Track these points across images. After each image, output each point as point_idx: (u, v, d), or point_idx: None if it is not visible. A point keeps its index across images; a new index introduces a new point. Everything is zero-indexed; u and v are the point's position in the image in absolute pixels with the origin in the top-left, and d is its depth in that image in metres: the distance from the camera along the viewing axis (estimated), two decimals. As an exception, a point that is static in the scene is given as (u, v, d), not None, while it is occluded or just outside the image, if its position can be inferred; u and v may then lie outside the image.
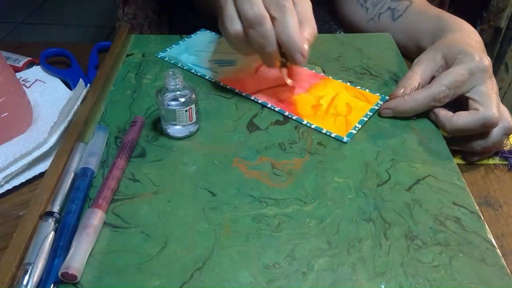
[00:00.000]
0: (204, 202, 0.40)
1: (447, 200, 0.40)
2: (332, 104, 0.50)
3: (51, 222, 0.36)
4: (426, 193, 0.40)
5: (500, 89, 0.55)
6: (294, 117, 0.48)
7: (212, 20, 0.70)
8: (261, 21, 0.43)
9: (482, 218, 0.38)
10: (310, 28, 0.45)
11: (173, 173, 0.42)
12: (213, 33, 0.63)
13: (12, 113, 0.46)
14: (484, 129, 0.45)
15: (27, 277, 0.33)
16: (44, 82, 0.56)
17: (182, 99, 0.44)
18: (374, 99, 0.51)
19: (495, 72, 1.05)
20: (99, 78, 0.52)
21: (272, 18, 0.43)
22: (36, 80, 0.56)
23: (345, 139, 0.46)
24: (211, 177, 0.42)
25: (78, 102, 0.50)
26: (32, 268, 0.33)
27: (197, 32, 0.63)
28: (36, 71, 0.58)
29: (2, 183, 0.43)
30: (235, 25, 0.44)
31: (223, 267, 0.34)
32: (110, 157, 0.44)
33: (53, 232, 0.36)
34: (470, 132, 0.46)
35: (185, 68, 0.56)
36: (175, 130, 0.45)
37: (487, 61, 0.46)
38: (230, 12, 0.44)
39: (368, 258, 0.35)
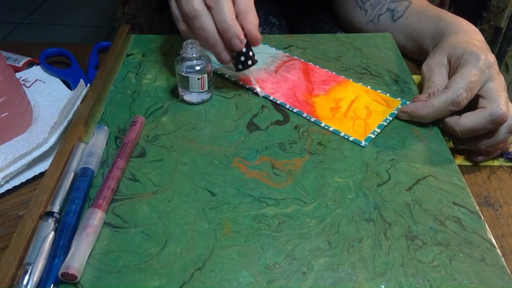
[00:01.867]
0: (204, 202, 0.39)
1: (447, 200, 0.40)
2: (351, 107, 0.50)
3: (51, 222, 0.36)
4: (426, 193, 0.40)
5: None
6: (313, 119, 0.48)
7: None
8: (196, 14, 0.44)
9: (482, 218, 0.38)
10: (252, 16, 0.46)
11: (173, 173, 0.42)
12: None
13: (12, 113, 0.46)
14: (494, 126, 0.44)
15: (27, 277, 0.33)
16: (44, 82, 0.56)
17: (198, 67, 0.47)
18: (395, 104, 0.50)
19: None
20: (99, 78, 0.52)
21: (209, 8, 0.45)
22: (36, 80, 0.56)
23: (363, 143, 0.45)
24: (211, 177, 0.42)
25: (78, 102, 0.50)
26: (32, 268, 0.33)
27: None
28: (36, 71, 0.58)
29: (2, 183, 0.43)
30: (180, 24, 0.48)
31: (223, 267, 0.35)
32: (110, 157, 0.44)
33: (53, 232, 0.36)
34: (480, 131, 0.45)
35: None
36: (190, 96, 0.50)
37: (492, 58, 0.47)
38: (174, 12, 0.48)
39: (368, 258, 0.35)
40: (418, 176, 0.42)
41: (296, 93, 0.52)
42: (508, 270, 0.35)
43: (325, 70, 0.56)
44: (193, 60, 0.47)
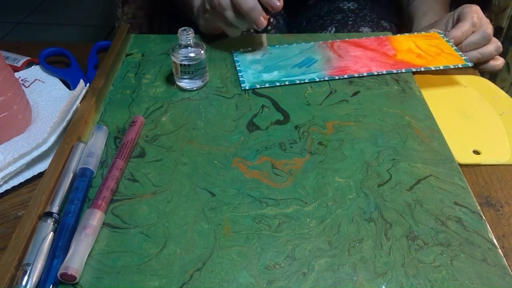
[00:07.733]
0: (204, 202, 0.39)
1: (448, 200, 0.40)
2: (423, 49, 0.56)
3: (50, 223, 0.36)
4: (427, 193, 0.40)
5: (501, 89, 0.57)
6: (414, 69, 0.54)
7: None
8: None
9: (484, 218, 0.38)
10: None
11: (172, 173, 0.42)
12: (265, 47, 0.60)
13: (11, 113, 0.46)
14: (475, 28, 0.56)
15: (26, 277, 0.33)
16: (43, 82, 0.56)
17: (192, 55, 0.50)
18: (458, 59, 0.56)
19: (496, 72, 1.05)
20: (98, 78, 0.52)
21: None
22: (35, 80, 0.56)
23: (470, 63, 0.54)
24: (211, 177, 0.42)
25: (78, 102, 0.50)
26: (31, 269, 0.33)
27: (236, 51, 0.59)
28: (35, 71, 0.58)
29: (1, 183, 0.43)
30: (226, 13, 0.52)
31: (223, 268, 0.34)
32: (109, 157, 0.44)
33: (52, 232, 0.36)
34: (463, 37, 0.56)
35: (281, 84, 0.53)
36: (180, 83, 0.52)
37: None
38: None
39: (369, 259, 0.35)
40: (419, 176, 0.42)
41: (378, 60, 0.55)
42: (510, 270, 0.34)
43: (364, 38, 0.60)
44: (188, 47, 0.50)
